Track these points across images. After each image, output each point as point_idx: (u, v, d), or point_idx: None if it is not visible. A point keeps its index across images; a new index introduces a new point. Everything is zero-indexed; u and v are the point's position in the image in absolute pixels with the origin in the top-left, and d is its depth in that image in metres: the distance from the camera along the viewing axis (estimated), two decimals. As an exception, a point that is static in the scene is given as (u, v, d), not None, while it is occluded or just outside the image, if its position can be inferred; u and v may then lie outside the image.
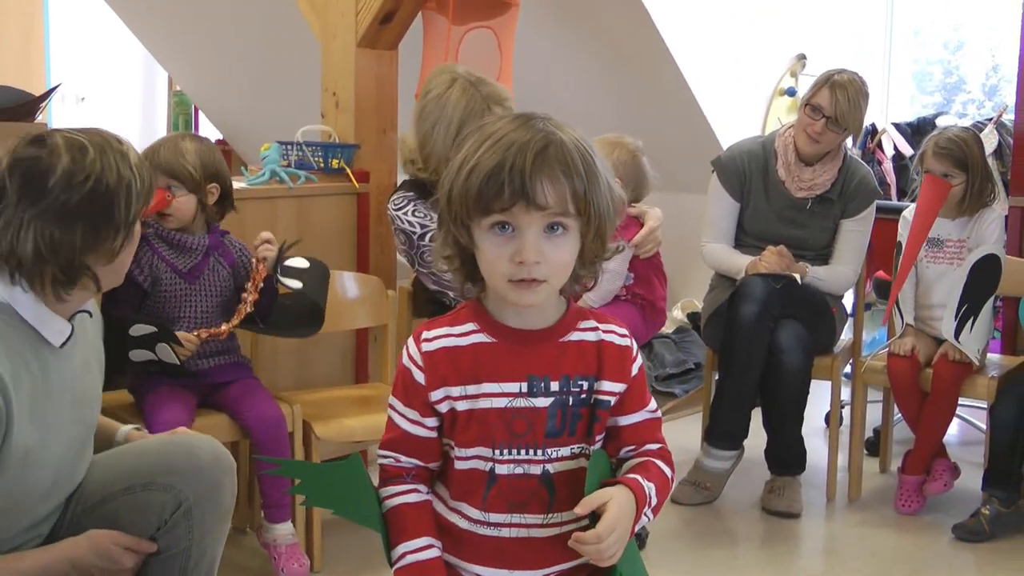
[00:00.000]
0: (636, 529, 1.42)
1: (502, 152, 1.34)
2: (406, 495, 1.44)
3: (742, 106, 5.03)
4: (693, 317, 5.00)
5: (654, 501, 1.43)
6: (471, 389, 1.40)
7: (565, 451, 1.42)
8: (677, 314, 5.12)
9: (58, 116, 7.21)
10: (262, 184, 3.28)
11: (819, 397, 3.73)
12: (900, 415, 3.54)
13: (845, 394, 3.85)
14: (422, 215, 2.94)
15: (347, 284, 3.27)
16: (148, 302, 2.68)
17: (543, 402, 1.40)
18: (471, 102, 2.87)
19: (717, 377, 3.46)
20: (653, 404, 1.50)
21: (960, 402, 3.37)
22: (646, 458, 1.47)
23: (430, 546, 1.43)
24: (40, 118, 2.95)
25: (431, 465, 1.47)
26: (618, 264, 3.13)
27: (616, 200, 1.42)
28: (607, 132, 3.36)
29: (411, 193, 2.99)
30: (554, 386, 1.40)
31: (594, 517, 1.39)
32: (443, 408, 1.42)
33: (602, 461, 1.44)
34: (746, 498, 3.49)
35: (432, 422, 1.43)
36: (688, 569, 2.99)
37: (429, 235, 2.90)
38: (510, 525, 1.42)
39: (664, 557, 3.03)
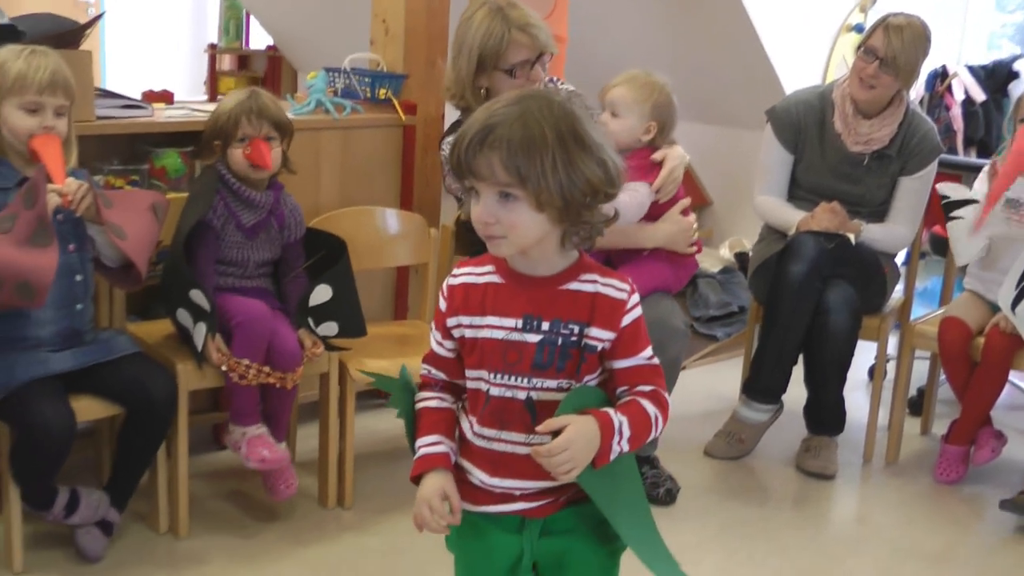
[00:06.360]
0: (612, 456, 1.56)
1: (465, 127, 1.52)
2: (430, 400, 1.70)
3: (806, 43, 4.84)
4: (740, 257, 4.90)
5: (626, 432, 1.57)
6: (476, 320, 1.62)
7: (552, 383, 1.61)
8: (724, 252, 5.02)
9: (111, 25, 7.16)
10: (307, 114, 3.22)
11: (864, 349, 3.62)
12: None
13: (892, 349, 3.75)
14: None
15: (389, 221, 3.23)
16: None
17: (533, 338, 1.59)
18: (492, 26, 2.81)
19: (760, 331, 3.39)
20: (648, 352, 1.63)
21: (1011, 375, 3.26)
22: (632, 397, 1.61)
23: (440, 442, 1.67)
24: (86, 45, 2.88)
25: (457, 380, 1.70)
26: (634, 210, 3.00)
27: (588, 171, 1.50)
28: (662, 69, 3.20)
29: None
30: (545, 326, 1.60)
31: None
32: (457, 334, 1.65)
33: (588, 396, 1.60)
34: (780, 454, 3.46)
35: (450, 344, 1.68)
36: (717, 526, 2.98)
37: None
38: (498, 440, 1.63)
39: (694, 511, 3.03)
